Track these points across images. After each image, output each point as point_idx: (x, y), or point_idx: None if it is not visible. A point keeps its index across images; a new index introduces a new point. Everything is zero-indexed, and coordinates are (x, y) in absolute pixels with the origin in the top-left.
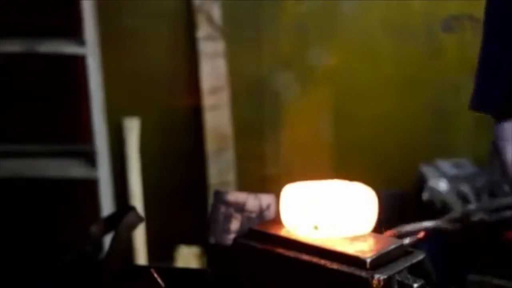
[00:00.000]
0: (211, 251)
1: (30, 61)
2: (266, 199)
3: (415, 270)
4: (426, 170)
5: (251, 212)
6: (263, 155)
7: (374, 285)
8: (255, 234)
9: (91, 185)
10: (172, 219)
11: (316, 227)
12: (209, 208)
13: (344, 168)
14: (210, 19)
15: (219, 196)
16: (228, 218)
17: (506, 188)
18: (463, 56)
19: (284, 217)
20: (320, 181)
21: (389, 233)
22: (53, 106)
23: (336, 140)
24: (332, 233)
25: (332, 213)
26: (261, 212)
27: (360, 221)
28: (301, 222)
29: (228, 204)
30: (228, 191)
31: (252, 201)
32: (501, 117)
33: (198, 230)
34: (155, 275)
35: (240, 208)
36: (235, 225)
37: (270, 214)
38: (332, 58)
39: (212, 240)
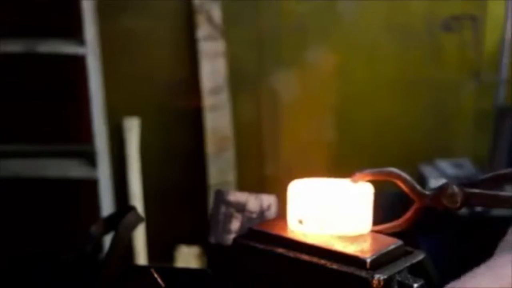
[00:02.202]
0: (211, 251)
1: (30, 61)
2: (267, 199)
3: (415, 270)
4: (426, 170)
5: (251, 212)
6: (263, 155)
7: (374, 285)
8: (255, 234)
9: (91, 185)
10: (172, 219)
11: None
12: (210, 208)
13: (344, 168)
14: (210, 19)
15: (220, 195)
16: (228, 218)
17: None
18: (463, 56)
19: (289, 212)
20: (327, 179)
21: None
22: (53, 106)
23: (336, 140)
24: (333, 230)
25: (335, 211)
26: (262, 212)
27: (363, 219)
28: (305, 218)
29: (229, 203)
30: (229, 190)
31: (253, 201)
32: None
33: (198, 230)
34: (155, 275)
35: (241, 208)
36: (235, 225)
37: (271, 214)
38: (332, 58)
39: (212, 240)
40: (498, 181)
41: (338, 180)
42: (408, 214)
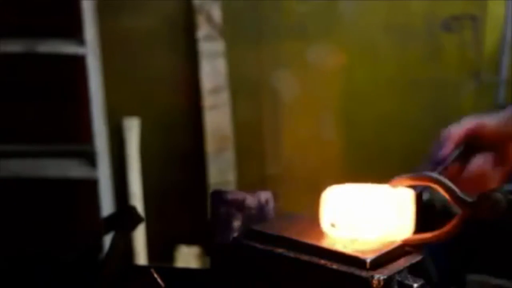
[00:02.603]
0: (213, 251)
1: (30, 61)
2: (264, 195)
3: (415, 270)
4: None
5: (251, 208)
6: (263, 155)
7: (374, 285)
8: (255, 234)
9: (91, 185)
10: (172, 219)
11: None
12: (209, 210)
13: (344, 168)
14: (210, 19)
15: (218, 195)
16: (229, 216)
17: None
18: (463, 56)
19: (323, 216)
20: (365, 184)
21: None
22: (53, 106)
23: (336, 140)
24: (368, 235)
25: (372, 216)
26: (261, 208)
27: (401, 225)
28: (340, 222)
29: (227, 202)
30: (225, 190)
31: (251, 198)
32: None
33: (198, 230)
34: (155, 275)
35: (240, 206)
36: (236, 223)
37: (270, 209)
38: (332, 58)
39: (214, 240)
40: None
41: (377, 185)
42: (451, 224)
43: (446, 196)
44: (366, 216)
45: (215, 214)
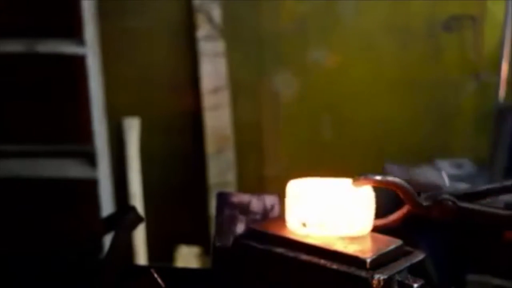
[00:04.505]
0: (216, 254)
1: (30, 61)
2: (270, 200)
3: (415, 270)
4: (426, 170)
5: (255, 213)
6: (263, 155)
7: (374, 285)
8: (255, 234)
9: (91, 185)
10: (172, 219)
11: (305, 224)
12: (210, 209)
13: (344, 168)
14: (210, 19)
15: (223, 197)
16: (233, 220)
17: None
18: (463, 56)
19: (289, 213)
20: (326, 179)
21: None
22: (53, 106)
23: (336, 141)
24: (335, 231)
25: (337, 212)
26: (265, 213)
27: (364, 220)
28: (307, 220)
29: (232, 205)
30: (231, 192)
31: (256, 202)
32: None
33: (198, 230)
34: (155, 275)
35: (244, 209)
36: (240, 227)
37: (274, 215)
38: (332, 58)
39: (217, 243)
40: (494, 194)
41: (337, 180)
42: (397, 214)
43: (404, 199)
44: (335, 212)
45: (219, 216)
